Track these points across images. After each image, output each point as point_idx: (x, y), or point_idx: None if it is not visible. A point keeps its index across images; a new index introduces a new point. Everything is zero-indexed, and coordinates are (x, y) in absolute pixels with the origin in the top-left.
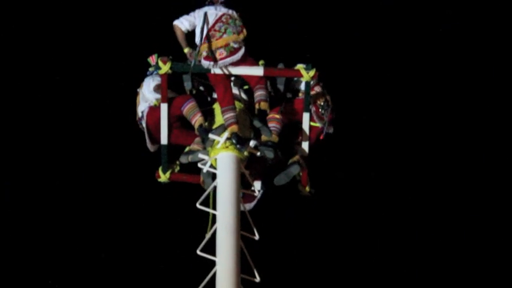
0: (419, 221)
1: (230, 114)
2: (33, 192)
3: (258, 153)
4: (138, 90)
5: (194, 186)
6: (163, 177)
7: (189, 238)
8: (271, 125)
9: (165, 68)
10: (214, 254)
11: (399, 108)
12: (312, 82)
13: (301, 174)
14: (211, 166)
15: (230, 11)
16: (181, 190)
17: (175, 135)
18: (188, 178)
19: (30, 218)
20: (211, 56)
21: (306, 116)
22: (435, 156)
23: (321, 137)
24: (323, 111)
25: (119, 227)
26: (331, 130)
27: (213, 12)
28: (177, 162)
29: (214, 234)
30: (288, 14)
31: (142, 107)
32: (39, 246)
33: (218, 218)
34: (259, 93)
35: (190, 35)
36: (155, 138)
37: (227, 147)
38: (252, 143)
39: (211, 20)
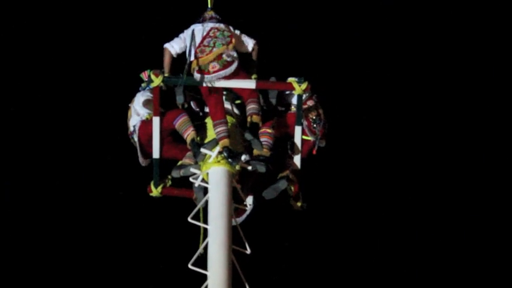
0: (416, 232)
1: (222, 128)
2: (22, 207)
3: (250, 168)
4: (129, 105)
5: (186, 201)
6: (155, 191)
7: (180, 252)
8: (262, 139)
9: (157, 81)
10: (205, 268)
11: (393, 119)
12: (304, 96)
13: (292, 188)
14: (203, 180)
15: (217, 24)
16: (172, 204)
17: (167, 149)
18: (180, 192)
19: (19, 237)
20: (204, 70)
21: (298, 130)
22: (432, 170)
23: (314, 152)
24: (315, 125)
25: (110, 241)
26: (323, 144)
27: (200, 28)
28: (169, 177)
29: (206, 248)
30: (279, 26)
31: (133, 121)
32: (30, 260)
33: (210, 232)
34: (251, 107)
35: (181, 56)
36: (147, 153)
37: (219, 161)
38: (243, 157)
39: (199, 37)
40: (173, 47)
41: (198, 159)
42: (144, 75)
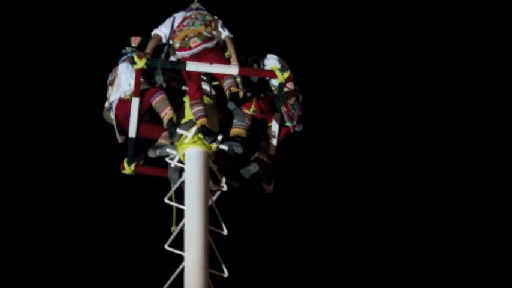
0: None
1: (199, 108)
2: None
3: (226, 148)
4: (110, 76)
5: (158, 180)
6: (128, 169)
7: (156, 233)
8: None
9: (140, 63)
10: (182, 249)
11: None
12: None
13: (261, 172)
14: (179, 161)
15: (200, 10)
16: (146, 183)
17: (143, 129)
18: (153, 171)
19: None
20: (185, 46)
21: (276, 116)
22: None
23: (291, 130)
24: (293, 111)
25: (82, 221)
26: (300, 128)
27: (182, 14)
28: (142, 155)
29: (182, 229)
30: (263, 20)
31: (112, 98)
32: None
33: (186, 213)
34: (228, 81)
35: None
36: (122, 130)
37: (195, 142)
38: (219, 137)
39: (179, 20)
40: (161, 31)
41: (174, 139)
42: (133, 40)
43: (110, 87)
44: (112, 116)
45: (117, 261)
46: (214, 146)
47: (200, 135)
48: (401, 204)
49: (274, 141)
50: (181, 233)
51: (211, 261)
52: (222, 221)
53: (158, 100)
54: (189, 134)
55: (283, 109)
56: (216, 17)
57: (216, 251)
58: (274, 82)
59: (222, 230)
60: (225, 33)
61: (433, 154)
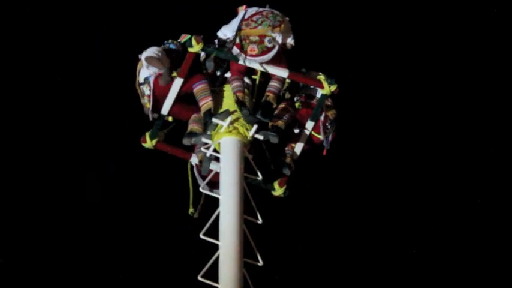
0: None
1: (239, 83)
2: (17, 163)
3: (262, 138)
4: (140, 56)
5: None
6: (149, 143)
7: (192, 222)
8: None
9: (197, 47)
10: (217, 238)
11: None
12: None
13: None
14: (214, 150)
15: (273, 10)
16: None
17: (176, 109)
18: (172, 150)
19: (13, 189)
20: (243, 48)
21: (309, 125)
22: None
23: (324, 153)
24: (329, 126)
25: (117, 209)
26: (328, 146)
27: (255, 8)
28: (165, 131)
29: (217, 218)
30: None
31: (145, 73)
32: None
33: (221, 202)
34: (272, 84)
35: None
36: (155, 106)
37: (230, 131)
38: (258, 115)
39: (251, 13)
40: (225, 35)
41: (210, 129)
42: (182, 36)
43: (139, 64)
44: (147, 91)
45: (151, 250)
46: (249, 135)
47: (236, 124)
48: (400, 202)
49: (301, 146)
50: (216, 222)
51: (246, 250)
52: (257, 210)
53: (200, 88)
54: (225, 123)
55: (322, 117)
56: (287, 19)
57: (250, 240)
58: (317, 94)
59: (257, 219)
60: (289, 40)
61: (434, 155)
